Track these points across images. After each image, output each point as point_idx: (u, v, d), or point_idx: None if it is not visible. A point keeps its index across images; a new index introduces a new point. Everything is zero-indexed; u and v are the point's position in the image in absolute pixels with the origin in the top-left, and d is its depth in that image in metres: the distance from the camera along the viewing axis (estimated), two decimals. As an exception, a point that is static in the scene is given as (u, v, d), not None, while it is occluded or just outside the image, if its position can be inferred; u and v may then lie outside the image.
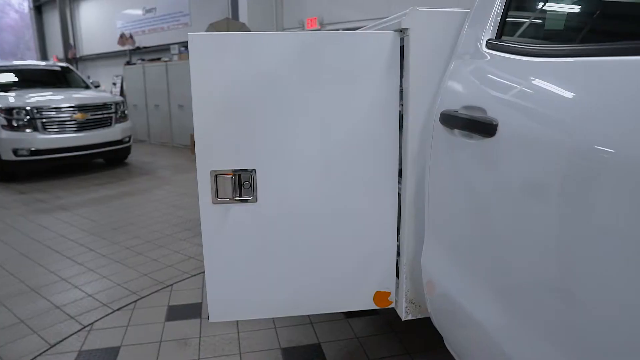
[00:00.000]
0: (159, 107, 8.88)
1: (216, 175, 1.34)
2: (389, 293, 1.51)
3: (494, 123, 0.95)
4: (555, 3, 1.13)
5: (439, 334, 1.37)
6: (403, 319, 1.52)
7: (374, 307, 1.52)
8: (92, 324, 2.36)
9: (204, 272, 2.98)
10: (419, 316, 1.51)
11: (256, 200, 1.38)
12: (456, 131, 1.13)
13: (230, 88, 1.32)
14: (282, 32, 1.30)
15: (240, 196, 1.36)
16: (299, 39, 1.32)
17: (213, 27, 6.37)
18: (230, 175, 1.33)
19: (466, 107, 1.10)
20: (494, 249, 0.98)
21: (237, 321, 2.37)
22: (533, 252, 0.87)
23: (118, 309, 2.50)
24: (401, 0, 6.25)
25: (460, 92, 1.15)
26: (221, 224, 1.37)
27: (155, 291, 2.72)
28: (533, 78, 0.91)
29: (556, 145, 0.80)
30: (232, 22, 6.49)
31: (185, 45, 8.75)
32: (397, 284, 1.54)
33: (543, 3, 1.15)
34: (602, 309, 0.72)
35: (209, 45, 1.28)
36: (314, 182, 1.42)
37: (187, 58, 8.26)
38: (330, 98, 1.37)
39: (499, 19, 1.09)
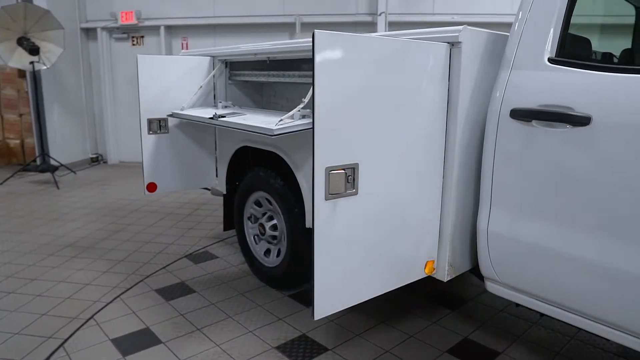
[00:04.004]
0: None
1: (329, 172, 1.36)
2: (433, 261, 1.79)
3: (588, 116, 1.37)
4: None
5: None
6: (445, 280, 1.82)
7: (424, 275, 1.76)
8: (22, 383, 1.87)
9: (120, 295, 2.61)
10: (453, 276, 1.84)
11: (357, 193, 1.47)
12: (535, 122, 1.50)
13: (347, 86, 1.39)
14: (389, 36, 1.43)
15: (346, 190, 1.42)
16: (398, 43, 1.49)
17: (5, 11, 5.14)
18: (342, 171, 1.38)
19: (545, 105, 1.48)
20: (585, 206, 1.41)
21: (205, 334, 2.23)
22: (624, 202, 1.31)
23: None
24: (225, 0, 6.33)
25: (532, 95, 1.52)
26: (330, 219, 1.40)
27: (78, 329, 2.28)
28: (609, 86, 1.37)
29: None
30: (30, 7, 5.36)
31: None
32: (438, 252, 1.82)
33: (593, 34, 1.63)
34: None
35: (336, 44, 1.31)
36: (395, 172, 1.60)
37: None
38: (409, 97, 1.56)
39: (557, 41, 1.50)
